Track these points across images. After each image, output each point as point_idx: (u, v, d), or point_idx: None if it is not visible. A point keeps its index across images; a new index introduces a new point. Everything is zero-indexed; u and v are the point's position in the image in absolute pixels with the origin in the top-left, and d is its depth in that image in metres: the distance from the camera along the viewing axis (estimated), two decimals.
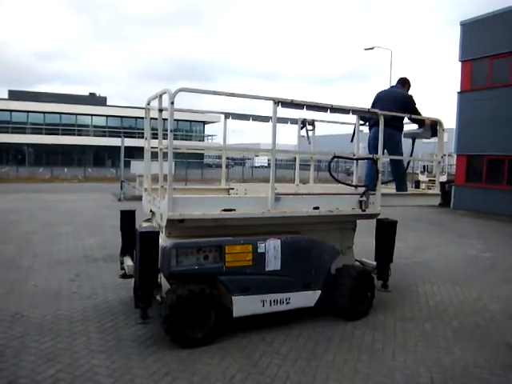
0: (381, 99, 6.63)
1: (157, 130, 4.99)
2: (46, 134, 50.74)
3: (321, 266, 5.29)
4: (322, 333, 4.99)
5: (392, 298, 6.35)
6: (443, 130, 6.50)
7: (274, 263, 4.89)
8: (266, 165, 47.65)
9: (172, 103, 4.34)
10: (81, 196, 19.80)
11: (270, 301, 4.92)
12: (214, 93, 4.84)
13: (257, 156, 46.53)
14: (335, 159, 5.97)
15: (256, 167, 43.41)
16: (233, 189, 6.77)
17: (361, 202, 5.55)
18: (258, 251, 4.80)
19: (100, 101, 57.92)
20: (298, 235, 5.25)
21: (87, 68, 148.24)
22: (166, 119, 4.51)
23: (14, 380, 3.75)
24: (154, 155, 5.14)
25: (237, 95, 4.90)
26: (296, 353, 4.47)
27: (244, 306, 4.78)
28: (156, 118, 4.98)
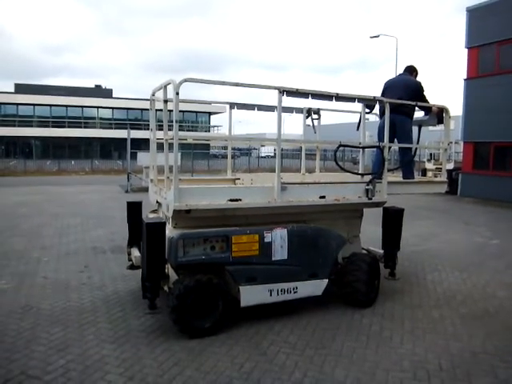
0: (391, 87, 6.60)
1: (162, 121, 4.99)
2: (53, 126, 50.88)
3: (328, 254, 5.29)
4: (330, 321, 5.01)
5: (399, 285, 6.35)
6: (449, 117, 6.45)
7: (280, 252, 4.90)
8: (272, 155, 47.56)
9: (177, 94, 4.34)
10: (88, 188, 19.88)
11: (278, 290, 4.93)
12: (219, 83, 4.83)
13: (263, 146, 46.42)
14: (341, 148, 5.93)
15: (262, 157, 43.41)
16: (239, 179, 6.78)
17: (367, 190, 5.54)
18: (265, 241, 4.80)
19: (106, 93, 57.92)
20: (304, 224, 5.25)
21: (94, 61, 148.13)
22: (172, 110, 4.51)
23: (26, 370, 3.80)
24: (160, 146, 5.15)
25: (242, 85, 4.87)
26: (304, 341, 4.49)
27: (251, 295, 4.79)
28: (162, 110, 4.98)
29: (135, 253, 5.50)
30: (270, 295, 4.90)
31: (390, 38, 33.05)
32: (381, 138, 6.16)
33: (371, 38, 31.60)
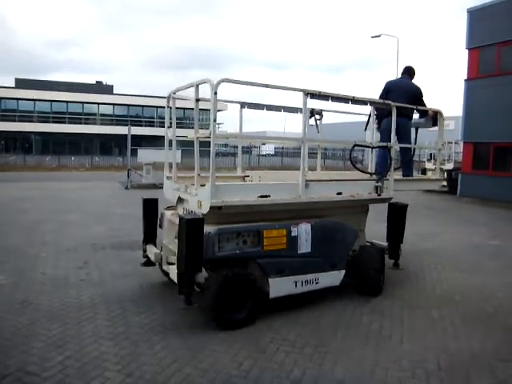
0: (394, 90, 6.85)
1: (178, 119, 5.01)
2: (53, 122, 50.83)
3: (345, 246, 5.65)
4: (329, 320, 5.00)
5: (399, 284, 6.35)
6: (443, 120, 6.89)
7: (305, 246, 5.19)
8: (273, 153, 47.78)
9: (215, 93, 4.45)
10: (88, 184, 19.86)
11: (302, 281, 5.21)
12: (252, 84, 5.00)
13: (263, 144, 46.48)
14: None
15: (262, 155, 43.49)
16: (248, 176, 6.92)
17: (377, 187, 5.95)
18: (292, 235, 5.08)
19: (107, 89, 57.87)
20: (325, 219, 5.53)
21: (98, 56, 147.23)
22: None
23: (24, 367, 3.78)
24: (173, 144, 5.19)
25: (271, 86, 4.99)
26: (303, 339, 4.47)
27: (279, 287, 5.02)
28: (180, 108, 5.01)
29: (153, 250, 5.58)
30: (296, 286, 5.17)
31: (392, 38, 32.98)
32: (384, 138, 6.47)
33: (372, 37, 31.49)
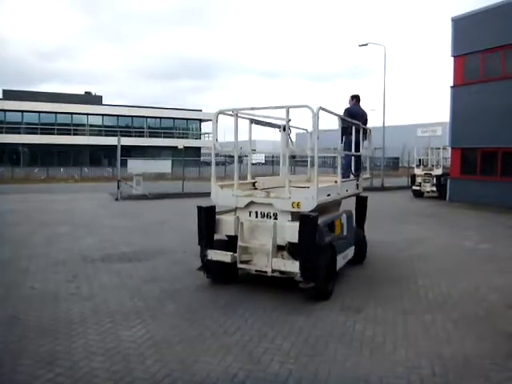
0: (356, 115, 8.40)
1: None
2: (42, 133, 50.44)
3: (353, 229, 7.54)
4: (322, 328, 4.98)
5: (391, 291, 6.35)
6: (371, 134, 9.04)
7: (345, 230, 6.95)
8: (263, 161, 48.41)
9: (318, 118, 5.63)
10: (77, 196, 19.72)
11: (344, 256, 6.83)
12: (335, 114, 6.62)
13: (254, 153, 46.74)
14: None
15: (253, 164, 43.62)
16: (256, 182, 7.57)
17: (357, 184, 8.16)
18: (341, 222, 6.78)
19: (96, 100, 57.65)
20: (348, 209, 7.42)
21: (89, 66, 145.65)
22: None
23: None
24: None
25: (335, 114, 6.55)
26: (297, 349, 4.44)
27: (339, 262, 6.51)
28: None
29: (223, 253, 6.09)
30: (342, 260, 6.74)
31: (379, 47, 33.02)
32: (349, 149, 7.87)
33: (360, 46, 31.55)
